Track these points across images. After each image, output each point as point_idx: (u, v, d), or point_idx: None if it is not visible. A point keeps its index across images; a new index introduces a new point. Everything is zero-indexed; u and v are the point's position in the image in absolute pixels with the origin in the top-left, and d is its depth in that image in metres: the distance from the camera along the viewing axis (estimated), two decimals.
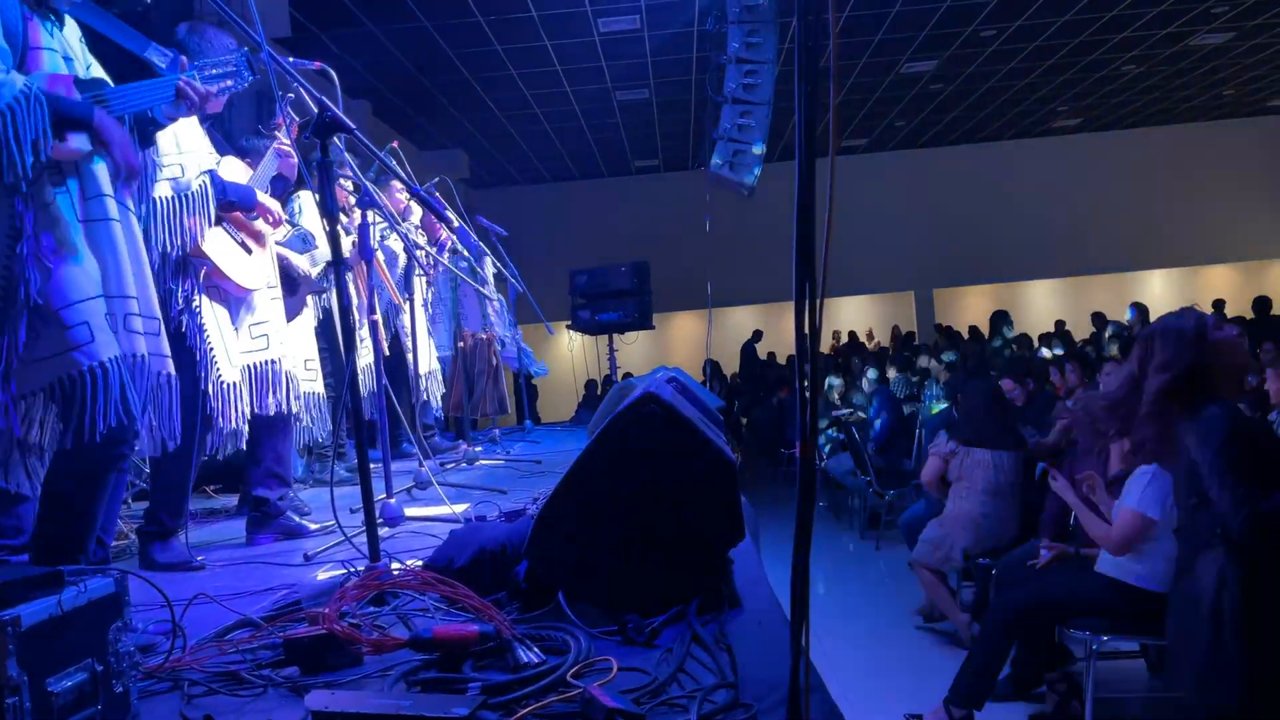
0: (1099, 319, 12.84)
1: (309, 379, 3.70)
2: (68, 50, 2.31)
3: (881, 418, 8.00)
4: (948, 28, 9.99)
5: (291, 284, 3.81)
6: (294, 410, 3.45)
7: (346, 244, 3.93)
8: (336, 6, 8.17)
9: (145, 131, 2.44)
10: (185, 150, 3.02)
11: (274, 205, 3.35)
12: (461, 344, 5.73)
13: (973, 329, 14.75)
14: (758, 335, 15.94)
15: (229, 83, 2.58)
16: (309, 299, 4.10)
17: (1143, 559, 3.82)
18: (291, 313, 3.78)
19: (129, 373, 2.23)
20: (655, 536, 2.03)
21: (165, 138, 2.76)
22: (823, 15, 1.59)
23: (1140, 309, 11.48)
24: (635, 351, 10.44)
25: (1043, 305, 17.35)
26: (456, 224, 3.98)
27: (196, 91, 2.43)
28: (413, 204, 5.09)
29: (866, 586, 6.68)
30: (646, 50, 9.96)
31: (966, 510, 4.99)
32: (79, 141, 2.15)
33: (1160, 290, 17.08)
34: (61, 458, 2.20)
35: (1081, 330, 13.74)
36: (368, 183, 3.33)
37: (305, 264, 3.90)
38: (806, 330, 1.17)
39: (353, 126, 2.16)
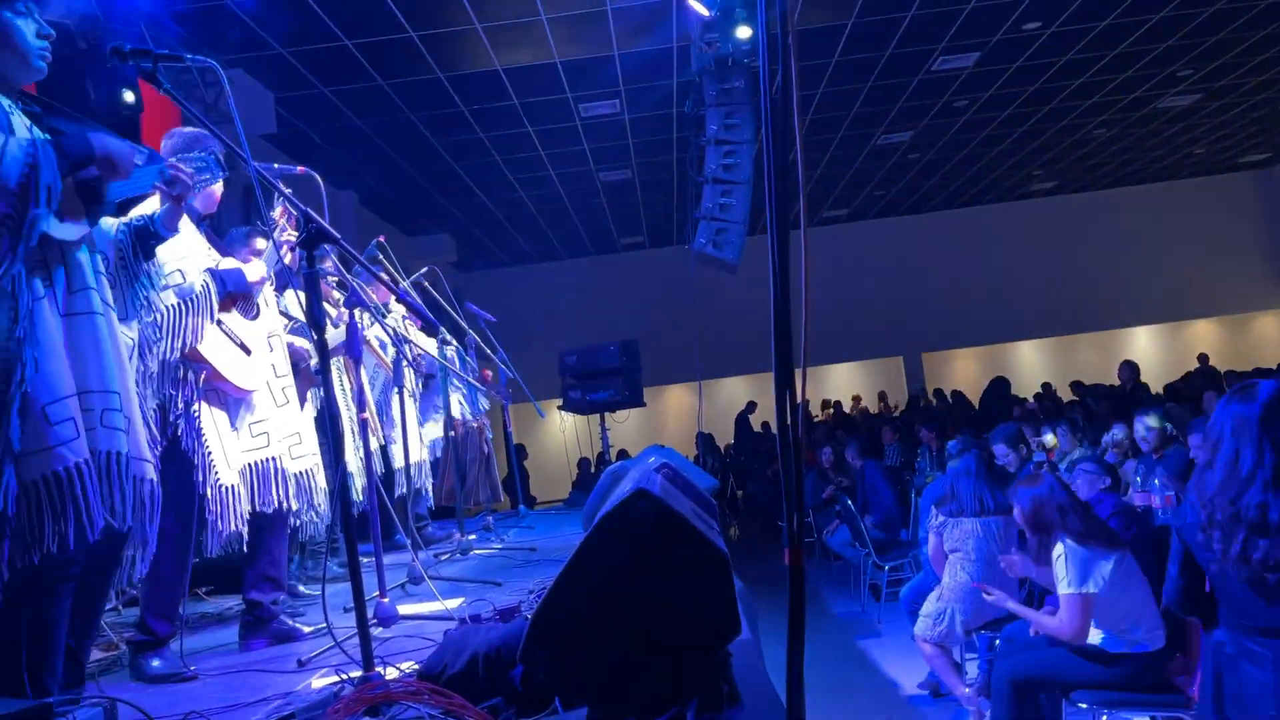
0: (1079, 387, 12.89)
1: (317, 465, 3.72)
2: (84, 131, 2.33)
3: (883, 495, 7.99)
4: (921, 99, 10.24)
5: (299, 370, 3.84)
6: (294, 507, 3.43)
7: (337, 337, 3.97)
8: (322, 101, 8.34)
9: (147, 245, 2.46)
10: (183, 255, 3.06)
11: (261, 271, 3.36)
12: (453, 432, 5.73)
13: (956, 393, 14.78)
14: (751, 406, 15.97)
15: (205, 177, 2.63)
16: (309, 393, 4.11)
17: (1125, 632, 3.78)
18: (303, 397, 3.80)
19: (113, 468, 2.17)
20: (651, 635, 2.01)
21: (164, 249, 2.78)
22: (791, 95, 1.64)
23: (1131, 366, 11.57)
24: (627, 428, 10.45)
25: (1031, 365, 17.46)
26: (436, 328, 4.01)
27: (186, 173, 2.43)
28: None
29: (870, 661, 6.59)
30: (627, 133, 10.17)
31: (962, 581, 4.95)
32: (67, 230, 2.13)
33: (1146, 346, 17.23)
34: (23, 574, 2.05)
35: (1067, 393, 13.79)
36: (354, 282, 3.36)
37: (310, 349, 3.93)
38: (790, 444, 1.18)
39: (338, 237, 2.19)
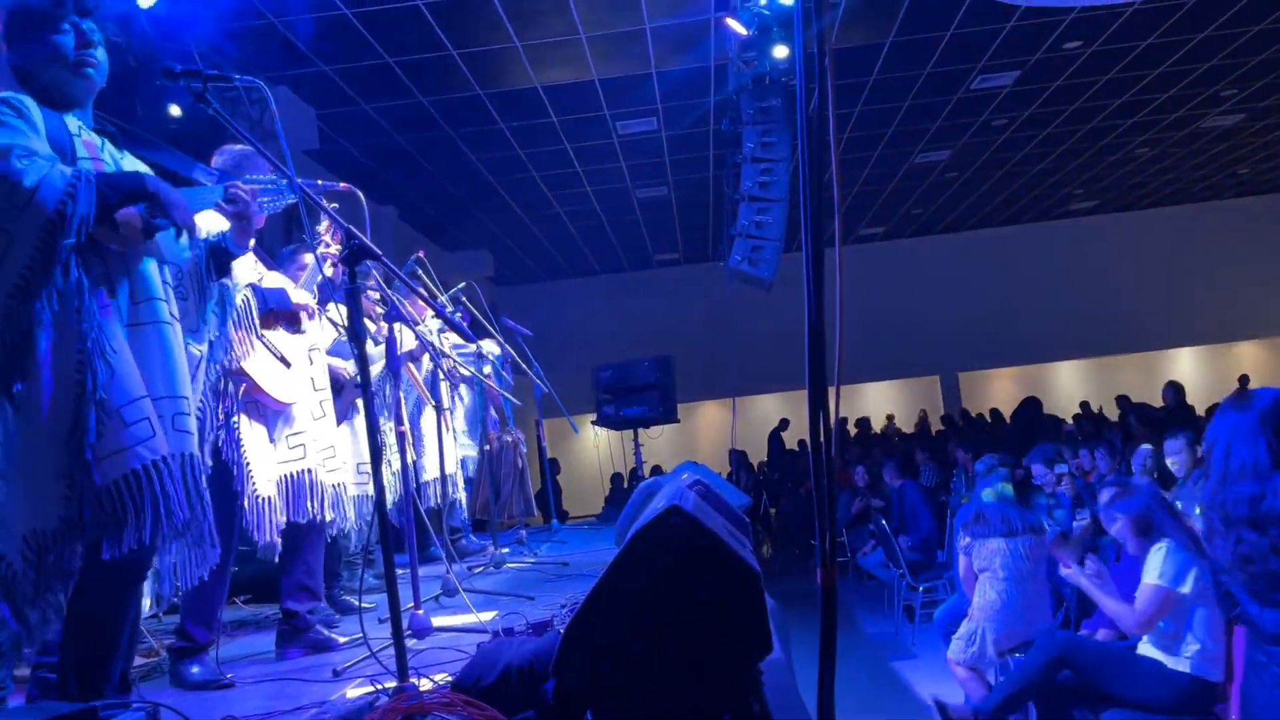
0: (1125, 401, 12.72)
1: (361, 483, 3.76)
2: (119, 164, 2.40)
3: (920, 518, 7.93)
4: (959, 118, 10.20)
5: (339, 388, 3.90)
6: (329, 519, 3.49)
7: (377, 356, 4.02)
8: (363, 118, 8.47)
9: (222, 262, 2.52)
10: None
11: (307, 298, 3.44)
12: (487, 446, 5.78)
13: (993, 412, 14.63)
14: (784, 424, 15.90)
15: (268, 200, 2.69)
16: (358, 402, 4.17)
17: (1185, 642, 3.76)
18: (340, 415, 3.86)
19: (186, 470, 2.23)
20: (683, 652, 2.02)
21: None
22: (826, 113, 1.65)
23: (1176, 388, 11.39)
24: (661, 444, 10.46)
25: (1070, 386, 17.25)
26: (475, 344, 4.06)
27: (246, 193, 2.48)
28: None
29: (903, 683, 6.52)
30: (664, 150, 10.22)
31: (991, 601, 4.90)
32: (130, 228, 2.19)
33: (1189, 368, 16.96)
34: (94, 569, 2.12)
35: (1110, 411, 13.61)
36: (394, 297, 3.42)
37: (352, 368, 4.00)
38: (824, 466, 1.19)
39: (380, 253, 2.24)
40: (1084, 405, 14.39)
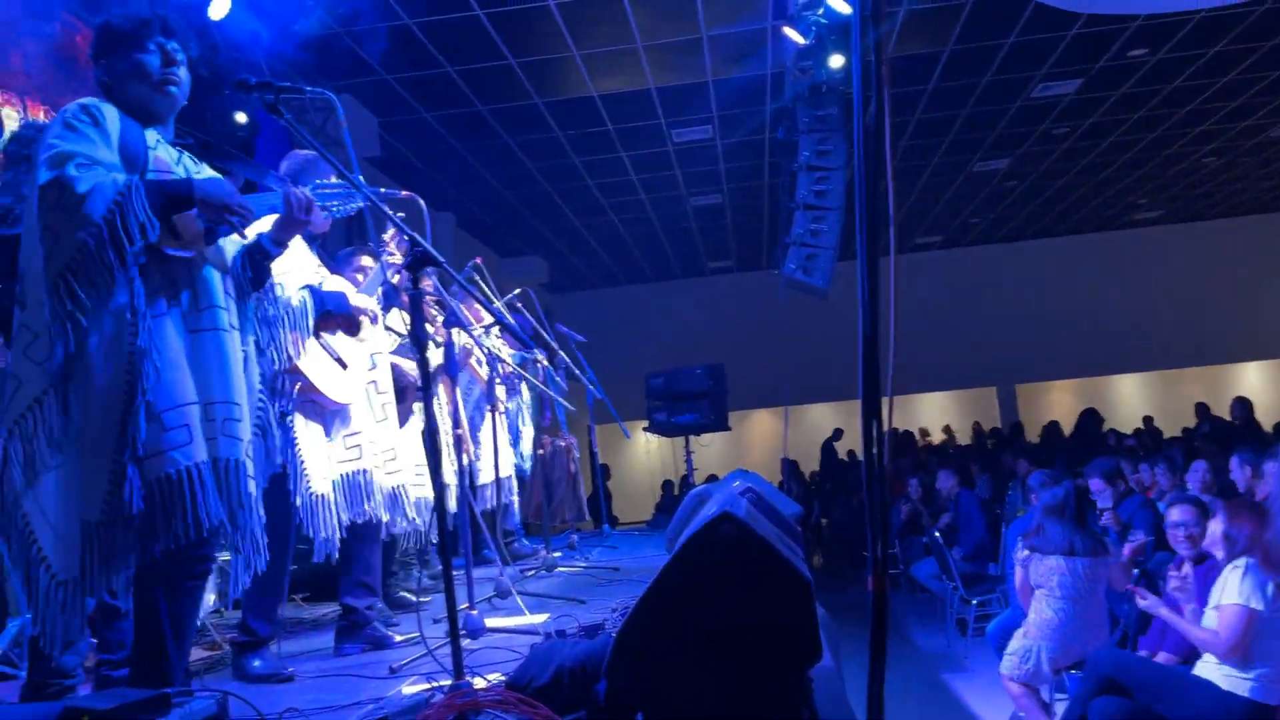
0: (1203, 409, 12.43)
1: (421, 484, 3.83)
2: (190, 174, 2.48)
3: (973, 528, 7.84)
4: (1019, 127, 10.08)
5: (402, 391, 3.98)
6: (385, 519, 3.55)
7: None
8: (423, 126, 8.62)
9: (256, 262, 2.57)
10: (285, 270, 3.19)
11: (369, 302, 3.51)
12: (540, 450, 5.83)
13: (1052, 424, 14.37)
14: (838, 434, 15.79)
15: (336, 204, 2.75)
16: (416, 406, 4.25)
17: (1252, 664, 3.68)
18: (404, 418, 3.93)
19: (231, 475, 2.30)
20: (734, 657, 2.04)
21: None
22: (883, 123, 1.66)
23: (1243, 403, 11.12)
24: (712, 452, 10.44)
25: (1131, 400, 16.88)
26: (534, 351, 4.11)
27: (301, 198, 2.53)
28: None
29: (955, 697, 6.45)
30: (719, 157, 10.23)
31: (1048, 619, 4.83)
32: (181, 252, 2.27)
33: (1257, 382, 16.51)
34: (151, 569, 2.21)
35: (1173, 426, 13.29)
36: (453, 302, 3.48)
37: (413, 369, 4.08)
38: (875, 472, 1.21)
39: (443, 261, 2.29)
40: (1147, 420, 14.09)
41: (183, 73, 2.43)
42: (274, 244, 2.58)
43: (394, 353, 4.01)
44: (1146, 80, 8.96)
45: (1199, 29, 7.84)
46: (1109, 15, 7.34)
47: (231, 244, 2.50)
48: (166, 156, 2.39)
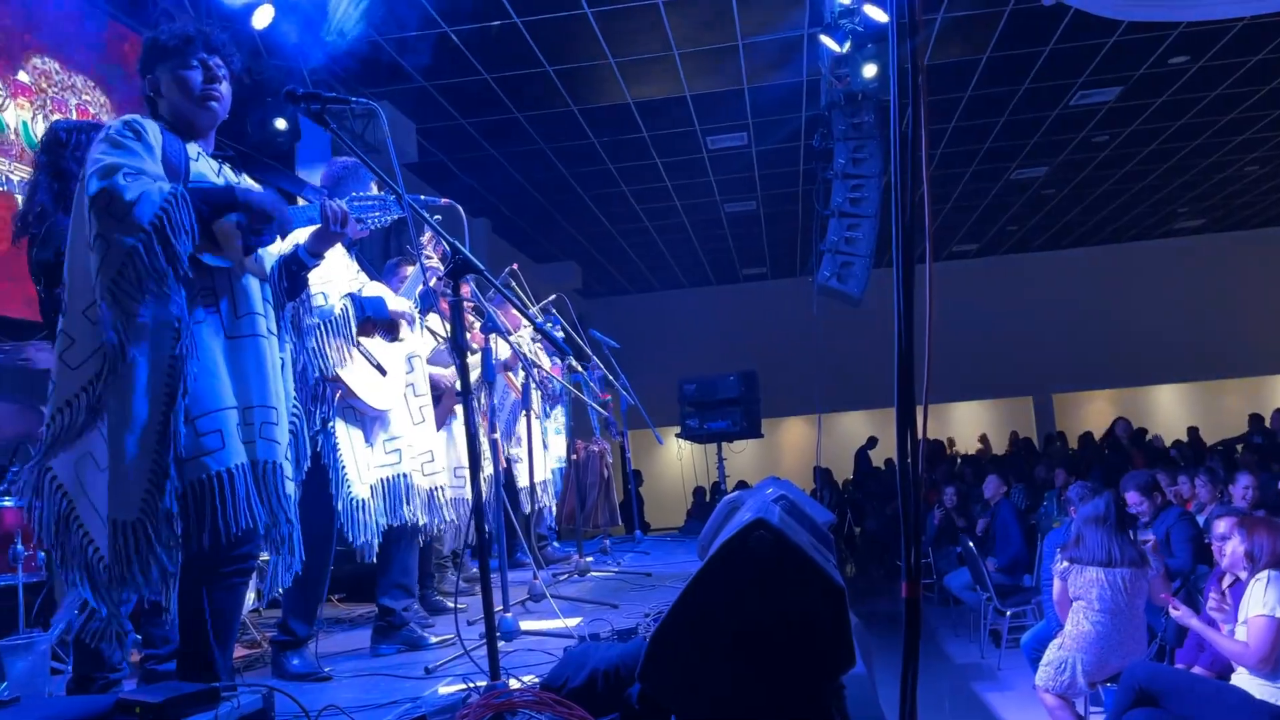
0: (1256, 420, 12.22)
1: (458, 486, 3.88)
2: (230, 183, 2.53)
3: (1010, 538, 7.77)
4: (1058, 134, 9.99)
5: (438, 394, 4.03)
6: (423, 522, 3.60)
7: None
8: (460, 133, 8.70)
9: (292, 273, 2.62)
10: (327, 279, 3.25)
11: (405, 305, 3.57)
12: (574, 455, 5.87)
13: (1086, 434, 14.20)
14: (872, 442, 15.69)
15: (376, 214, 2.80)
16: (457, 409, 4.30)
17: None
18: (440, 422, 3.98)
19: (269, 477, 2.35)
20: (767, 662, 2.05)
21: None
22: (920, 131, 1.67)
23: None
24: (744, 459, 10.44)
25: (1170, 410, 16.64)
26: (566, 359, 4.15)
27: (337, 211, 2.57)
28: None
29: (988, 709, 6.40)
30: (754, 165, 10.24)
31: (1085, 632, 4.78)
32: (220, 260, 2.33)
33: None
34: (193, 568, 2.26)
35: (1213, 437, 13.08)
36: (490, 308, 3.52)
37: (451, 375, 4.13)
38: (910, 478, 1.22)
39: (482, 268, 2.33)
40: (1192, 431, 13.86)
41: (224, 88, 2.49)
42: (310, 255, 2.62)
43: (429, 360, 4.07)
44: (1188, 88, 8.86)
45: (1241, 36, 7.74)
46: (1150, 23, 7.27)
47: (269, 255, 2.55)
48: (207, 169, 2.45)
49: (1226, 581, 4.28)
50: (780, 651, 2.06)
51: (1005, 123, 9.51)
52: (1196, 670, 4.35)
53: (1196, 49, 7.98)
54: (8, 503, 3.41)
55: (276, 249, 2.57)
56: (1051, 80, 8.46)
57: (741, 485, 10.35)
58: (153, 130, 2.37)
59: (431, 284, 3.48)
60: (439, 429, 3.88)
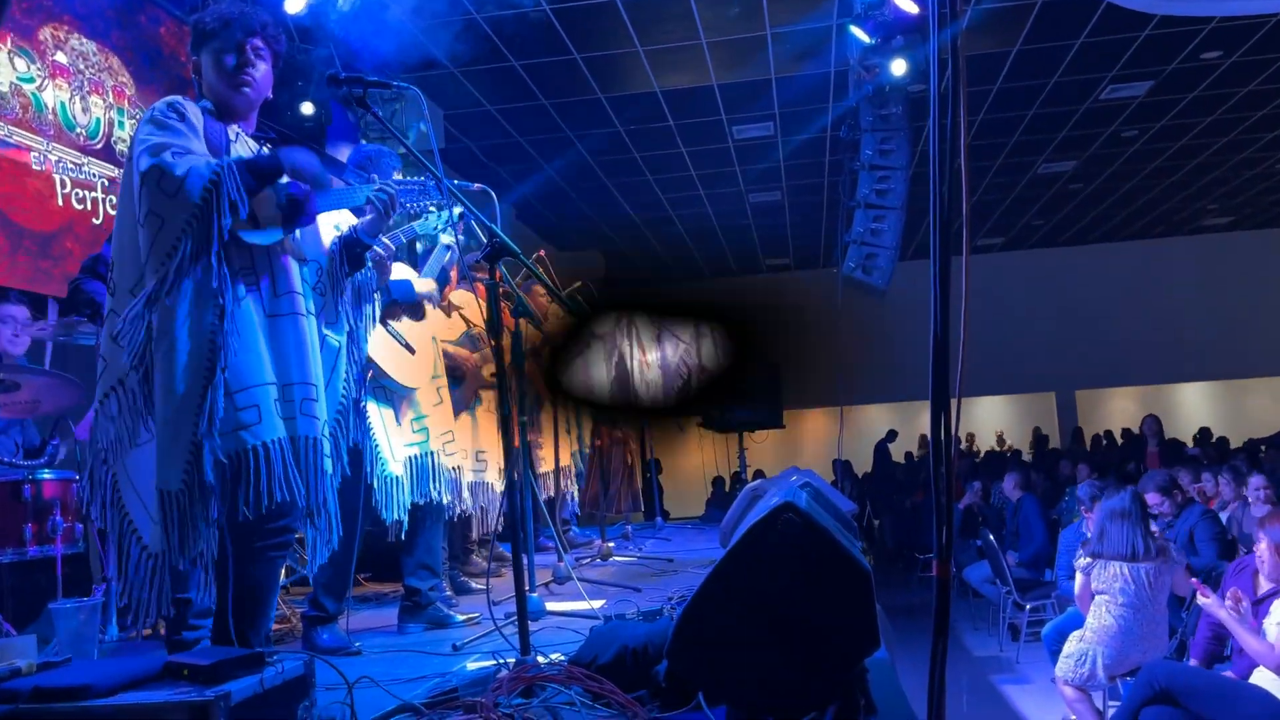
0: None
1: (478, 469, 3.94)
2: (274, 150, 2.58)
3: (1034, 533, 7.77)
4: (1087, 128, 9.93)
5: (459, 376, 4.09)
6: (447, 501, 3.66)
7: None
8: (487, 119, 8.74)
9: (354, 254, 2.66)
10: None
11: (429, 285, 3.62)
12: (599, 441, 5.91)
13: (1108, 434, 14.12)
14: (892, 435, 15.65)
15: (416, 199, 2.85)
16: (482, 393, 4.36)
17: None
18: (460, 405, 4.04)
19: (308, 452, 2.39)
20: (793, 643, 2.09)
21: None
22: (959, 121, 1.69)
23: None
24: (765, 449, 10.45)
25: (1194, 409, 16.50)
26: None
27: (387, 198, 2.62)
28: (553, 306, 5.35)
29: (1007, 702, 6.41)
30: (780, 155, 10.23)
31: (1107, 625, 4.79)
32: (262, 237, 2.39)
33: None
34: (231, 540, 2.30)
35: (1238, 437, 12.97)
36: (520, 292, 3.57)
37: (476, 360, 4.19)
38: (944, 454, 1.25)
39: (518, 250, 2.37)
40: (1204, 431, 13.76)
41: (260, 70, 2.52)
42: (368, 235, 2.68)
43: (456, 343, 4.12)
44: (1220, 83, 8.78)
45: (1274, 32, 7.66)
46: (1182, 17, 7.22)
47: (326, 234, 2.60)
48: (246, 151, 2.50)
49: (1263, 589, 4.25)
50: (806, 633, 2.10)
51: (1034, 116, 9.46)
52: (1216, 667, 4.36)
53: (1229, 44, 7.91)
54: (47, 475, 3.48)
55: (328, 234, 2.61)
56: (1082, 74, 8.41)
57: (757, 474, 10.38)
58: (194, 111, 2.42)
59: (444, 260, 3.54)
60: (459, 413, 3.93)
